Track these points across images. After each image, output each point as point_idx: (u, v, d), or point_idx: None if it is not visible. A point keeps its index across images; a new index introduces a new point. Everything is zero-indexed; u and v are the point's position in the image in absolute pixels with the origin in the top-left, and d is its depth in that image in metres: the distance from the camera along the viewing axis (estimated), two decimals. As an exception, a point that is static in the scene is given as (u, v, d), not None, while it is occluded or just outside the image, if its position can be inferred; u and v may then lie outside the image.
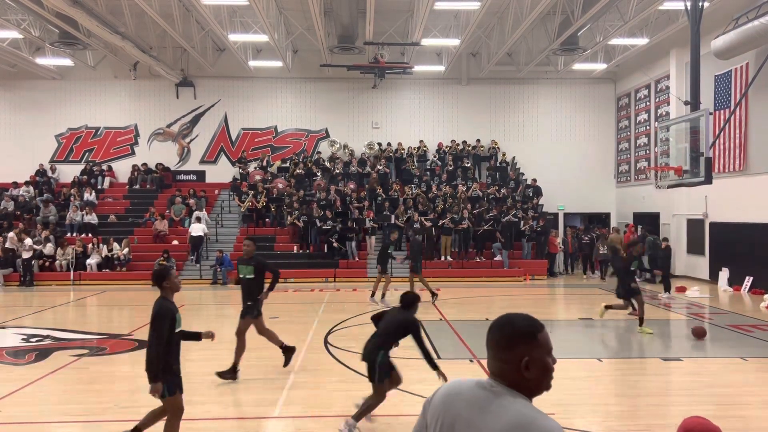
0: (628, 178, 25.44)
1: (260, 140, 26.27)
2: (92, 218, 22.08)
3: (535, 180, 24.61)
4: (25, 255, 19.54)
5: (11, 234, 20.01)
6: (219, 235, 22.24)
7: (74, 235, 21.39)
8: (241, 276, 8.36)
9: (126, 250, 20.52)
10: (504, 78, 25.85)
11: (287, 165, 25.33)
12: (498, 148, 25.76)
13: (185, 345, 10.92)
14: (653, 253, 18.05)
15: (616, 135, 26.52)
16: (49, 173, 25.27)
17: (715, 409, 6.98)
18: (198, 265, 20.57)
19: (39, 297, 17.41)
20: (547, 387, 1.96)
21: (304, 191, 23.18)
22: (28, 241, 19.82)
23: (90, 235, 21.33)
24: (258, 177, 24.21)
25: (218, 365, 9.23)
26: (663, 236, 19.39)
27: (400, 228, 21.31)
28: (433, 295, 15.20)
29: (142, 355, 9.80)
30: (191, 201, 23.25)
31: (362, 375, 8.24)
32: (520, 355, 1.90)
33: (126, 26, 19.68)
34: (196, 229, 21.12)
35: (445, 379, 6.13)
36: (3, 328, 12.35)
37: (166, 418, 5.37)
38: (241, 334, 8.45)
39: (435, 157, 25.42)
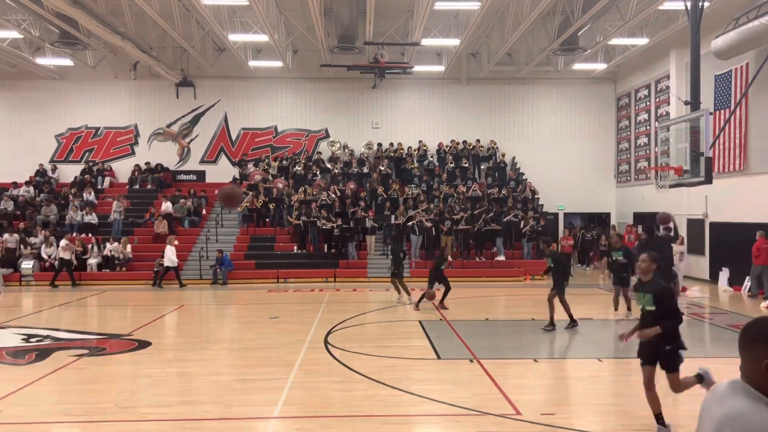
0: (628, 178, 25.44)
1: (260, 140, 26.28)
2: (92, 218, 22.09)
3: (530, 183, 24.62)
4: (26, 264, 19.61)
5: (14, 236, 20.01)
6: (219, 235, 22.24)
7: (74, 235, 21.40)
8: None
9: (128, 248, 20.50)
10: (504, 78, 25.85)
11: (286, 164, 25.32)
12: (497, 148, 25.77)
13: (186, 345, 10.92)
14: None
15: (616, 135, 26.53)
16: (50, 173, 25.29)
17: (715, 409, 6.96)
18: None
19: (39, 297, 17.41)
20: None
21: (304, 191, 23.16)
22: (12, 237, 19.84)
23: (90, 235, 21.34)
24: (258, 177, 24.22)
25: (218, 365, 9.24)
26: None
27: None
28: (423, 296, 15.31)
29: (142, 354, 9.84)
30: (188, 202, 23.29)
31: (363, 375, 8.26)
32: (759, 356, 1.93)
33: (126, 26, 19.68)
34: (166, 207, 22.66)
35: None
36: (3, 328, 12.35)
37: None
38: None
39: (433, 157, 25.44)
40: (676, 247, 15.77)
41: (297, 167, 24.72)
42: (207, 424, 6.54)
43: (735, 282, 17.55)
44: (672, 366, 5.96)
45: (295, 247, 21.60)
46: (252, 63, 23.85)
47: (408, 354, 9.76)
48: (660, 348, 5.98)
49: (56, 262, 19.58)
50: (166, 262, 18.87)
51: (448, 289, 14.19)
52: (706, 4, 14.76)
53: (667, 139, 14.81)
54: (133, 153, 26.16)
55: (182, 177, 25.83)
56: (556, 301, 11.52)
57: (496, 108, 26.41)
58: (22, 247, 20.27)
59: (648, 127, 23.63)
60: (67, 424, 6.64)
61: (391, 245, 15.91)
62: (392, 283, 15.66)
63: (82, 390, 7.87)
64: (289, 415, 6.84)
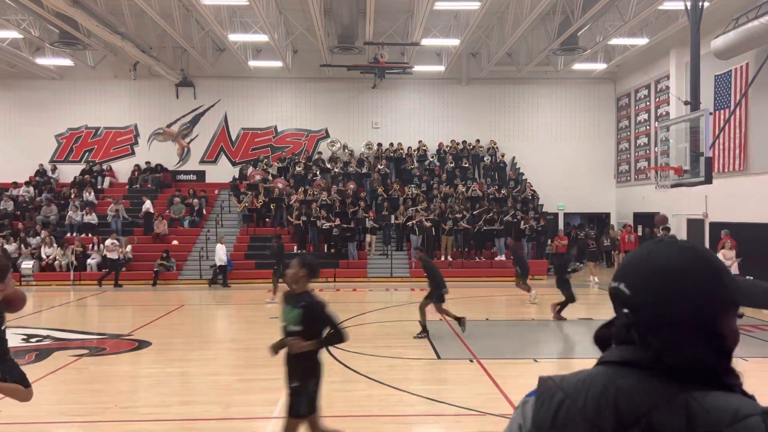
0: (628, 178, 25.44)
1: (260, 140, 26.27)
2: (92, 218, 22.10)
3: (530, 184, 24.63)
4: (26, 264, 19.67)
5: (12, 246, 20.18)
6: (219, 235, 22.19)
7: (74, 235, 21.39)
8: None
9: (128, 248, 20.51)
10: (504, 78, 25.83)
11: (285, 165, 25.31)
12: (497, 148, 25.77)
13: (186, 345, 10.92)
14: None
15: (616, 135, 26.52)
16: (50, 173, 25.28)
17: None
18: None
19: (39, 297, 17.41)
20: None
21: (304, 191, 23.15)
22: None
23: (90, 235, 21.34)
24: (258, 177, 24.21)
25: (218, 365, 9.25)
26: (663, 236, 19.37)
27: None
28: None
29: (142, 354, 9.85)
30: (194, 201, 23.32)
31: (363, 375, 8.26)
32: None
33: (126, 26, 19.67)
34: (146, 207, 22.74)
35: None
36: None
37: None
38: None
39: (434, 157, 25.45)
40: (726, 253, 14.55)
41: (297, 167, 24.72)
42: (207, 424, 6.54)
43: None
44: (293, 408, 4.49)
45: (295, 247, 21.59)
46: (252, 63, 23.84)
47: (408, 354, 9.76)
48: (290, 384, 4.48)
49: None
50: (217, 261, 19.27)
51: (568, 300, 12.63)
52: (706, 4, 14.76)
53: (667, 139, 14.83)
54: (132, 153, 26.14)
55: (182, 177, 25.81)
56: (429, 308, 10.91)
57: (496, 108, 26.41)
58: (23, 246, 20.31)
59: (648, 127, 23.62)
60: (67, 424, 6.64)
61: (276, 243, 16.32)
62: (273, 282, 15.89)
63: (82, 390, 7.87)
64: (289, 415, 6.84)
